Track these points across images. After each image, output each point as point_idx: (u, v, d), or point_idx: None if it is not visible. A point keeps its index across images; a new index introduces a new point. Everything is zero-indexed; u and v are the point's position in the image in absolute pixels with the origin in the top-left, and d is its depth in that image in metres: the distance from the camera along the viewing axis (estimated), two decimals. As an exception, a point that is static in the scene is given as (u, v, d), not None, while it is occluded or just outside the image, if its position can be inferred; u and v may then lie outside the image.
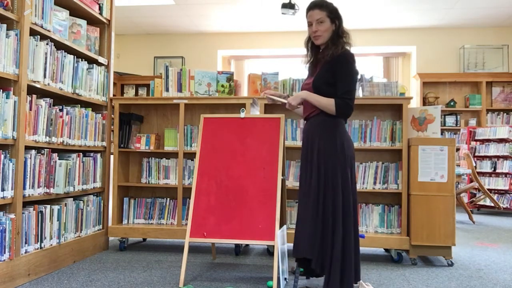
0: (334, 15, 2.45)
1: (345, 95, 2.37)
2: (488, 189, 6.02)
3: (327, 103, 2.38)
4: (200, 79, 3.67)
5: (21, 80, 2.61)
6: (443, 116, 7.41)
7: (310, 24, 2.48)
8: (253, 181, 2.77)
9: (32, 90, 2.77)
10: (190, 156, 3.65)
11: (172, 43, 8.24)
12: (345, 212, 2.35)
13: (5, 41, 2.50)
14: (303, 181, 2.48)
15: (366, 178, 3.43)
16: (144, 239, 4.06)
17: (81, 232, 3.29)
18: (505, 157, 6.22)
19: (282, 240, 2.71)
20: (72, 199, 3.19)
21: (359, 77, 2.87)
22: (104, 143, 3.62)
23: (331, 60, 2.40)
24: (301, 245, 2.39)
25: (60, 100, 3.16)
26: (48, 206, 2.90)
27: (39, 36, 2.79)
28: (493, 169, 6.39)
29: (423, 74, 7.49)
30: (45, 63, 2.86)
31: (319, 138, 2.41)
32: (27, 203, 2.72)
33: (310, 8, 2.47)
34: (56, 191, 2.99)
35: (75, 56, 3.21)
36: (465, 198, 6.33)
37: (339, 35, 2.45)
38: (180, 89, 3.72)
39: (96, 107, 3.55)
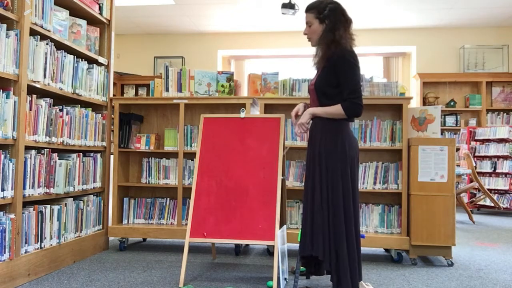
0: (323, 16, 2.42)
1: (350, 96, 2.35)
2: (488, 189, 6.02)
3: (335, 111, 2.37)
4: (200, 79, 3.67)
5: (21, 80, 2.61)
6: (443, 116, 7.41)
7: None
8: (253, 181, 2.77)
9: (32, 90, 2.77)
10: (190, 156, 3.65)
11: (172, 43, 8.23)
12: (347, 212, 2.35)
13: (5, 41, 2.50)
14: (307, 181, 2.48)
15: (366, 178, 3.43)
16: (144, 239, 4.06)
17: (81, 232, 3.29)
18: (505, 157, 6.22)
19: (282, 240, 2.71)
20: (72, 199, 3.19)
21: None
22: (104, 143, 3.62)
23: (328, 61, 2.40)
24: (305, 243, 2.40)
25: (60, 100, 3.16)
26: (48, 206, 2.90)
27: (39, 36, 2.79)
28: (493, 169, 6.39)
29: (423, 74, 7.49)
30: (45, 63, 2.86)
31: (321, 139, 2.41)
32: (27, 203, 2.72)
33: (305, 11, 2.52)
34: (56, 191, 2.99)
35: (75, 56, 3.21)
36: (465, 198, 6.33)
37: (328, 34, 2.40)
38: (180, 89, 3.72)
39: (96, 107, 3.55)
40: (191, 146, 3.64)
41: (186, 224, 3.47)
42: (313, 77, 2.59)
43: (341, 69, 2.37)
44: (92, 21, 3.54)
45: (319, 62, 2.48)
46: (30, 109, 2.72)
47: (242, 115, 2.96)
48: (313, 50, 2.61)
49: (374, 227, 3.46)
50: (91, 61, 3.48)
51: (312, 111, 2.45)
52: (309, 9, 2.47)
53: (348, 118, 2.41)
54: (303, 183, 3.50)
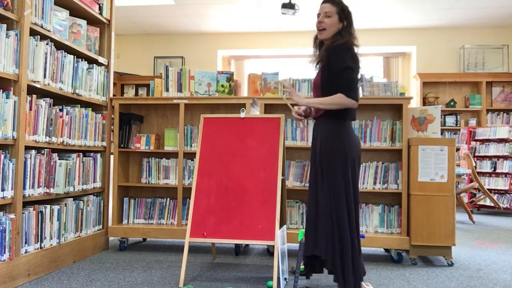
0: (344, 15, 2.43)
1: (344, 87, 2.31)
2: (488, 189, 6.02)
3: (334, 100, 2.33)
4: (200, 79, 3.67)
5: (21, 80, 2.61)
6: (443, 116, 7.41)
7: (318, 16, 2.48)
8: (253, 181, 2.77)
9: (32, 90, 2.77)
10: (190, 156, 3.65)
11: (172, 43, 8.24)
12: (348, 212, 2.34)
13: (5, 41, 2.50)
14: (311, 181, 2.48)
15: (366, 178, 3.43)
16: (144, 239, 4.06)
17: (81, 232, 3.29)
18: (505, 157, 6.21)
19: (282, 240, 2.71)
20: (72, 199, 3.19)
21: (359, 76, 2.84)
22: (104, 143, 3.62)
23: (324, 55, 2.39)
24: (308, 243, 2.41)
25: (60, 100, 3.16)
26: (48, 206, 2.90)
27: (39, 36, 2.79)
28: (493, 169, 6.39)
29: (423, 74, 7.49)
30: (45, 63, 2.86)
31: (321, 139, 2.41)
32: (27, 203, 2.72)
33: (323, 2, 2.48)
34: (56, 191, 2.99)
35: (75, 56, 3.21)
36: (465, 198, 6.33)
37: (342, 35, 2.42)
38: (180, 89, 3.72)
39: (96, 107, 3.55)
40: (191, 146, 3.64)
41: (186, 224, 3.47)
42: (316, 75, 2.58)
43: (333, 62, 2.34)
44: (92, 21, 3.54)
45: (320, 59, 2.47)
46: (30, 109, 2.72)
47: (242, 115, 2.96)
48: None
49: (374, 227, 3.45)
50: (91, 61, 3.48)
51: (305, 102, 2.42)
52: (333, 2, 2.43)
53: (352, 106, 2.36)
54: (303, 183, 3.51)
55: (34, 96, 2.76)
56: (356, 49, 2.42)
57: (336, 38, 2.42)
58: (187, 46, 8.20)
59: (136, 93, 8.02)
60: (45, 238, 2.86)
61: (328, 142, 2.38)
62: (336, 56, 2.34)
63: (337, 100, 2.33)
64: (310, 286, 2.66)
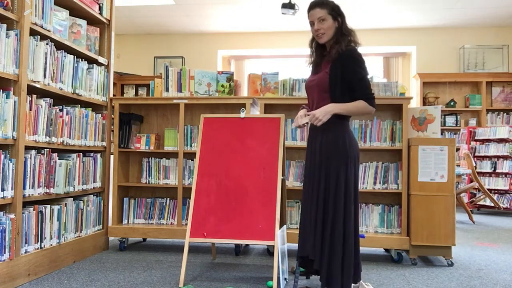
0: (336, 12, 2.43)
1: (367, 95, 2.36)
2: (488, 189, 6.02)
3: (359, 107, 2.36)
4: (200, 79, 3.67)
5: (21, 80, 2.61)
6: (443, 116, 7.41)
7: (312, 24, 2.46)
8: (253, 181, 2.77)
9: (32, 90, 2.77)
10: (190, 156, 3.65)
11: (172, 43, 8.24)
12: (346, 212, 2.34)
13: (5, 41, 2.50)
14: (306, 180, 2.48)
15: (366, 178, 3.43)
16: (144, 239, 4.06)
17: (81, 232, 3.29)
18: (505, 157, 6.22)
19: (282, 240, 2.71)
20: (72, 199, 3.19)
21: None
22: (104, 143, 3.62)
23: (336, 58, 2.37)
24: (304, 244, 2.39)
25: (60, 100, 3.16)
26: (48, 206, 2.90)
27: (39, 36, 2.79)
28: (493, 169, 6.39)
29: (423, 74, 7.49)
30: (45, 63, 2.86)
31: (321, 138, 2.40)
32: (27, 203, 2.72)
33: (311, 7, 2.46)
34: (56, 191, 2.99)
35: (75, 56, 3.21)
36: (465, 198, 6.33)
37: (343, 33, 2.42)
38: (180, 89, 3.72)
39: (96, 107, 3.55)
40: (191, 146, 3.64)
41: (186, 224, 3.47)
42: (310, 75, 2.57)
43: (350, 70, 2.35)
44: (92, 21, 3.54)
45: (330, 59, 2.43)
46: (30, 109, 2.72)
47: (242, 115, 2.96)
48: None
49: (374, 227, 3.45)
50: (91, 61, 3.48)
51: (332, 109, 2.34)
52: (321, 4, 2.42)
53: (370, 112, 2.42)
54: (303, 183, 3.50)
55: (34, 96, 2.76)
56: (357, 46, 2.44)
57: (339, 38, 2.41)
58: (187, 46, 8.20)
59: (136, 93, 8.03)
60: (45, 238, 2.86)
61: (330, 140, 2.37)
62: (354, 62, 2.36)
63: (361, 108, 2.37)
64: (310, 286, 2.66)
